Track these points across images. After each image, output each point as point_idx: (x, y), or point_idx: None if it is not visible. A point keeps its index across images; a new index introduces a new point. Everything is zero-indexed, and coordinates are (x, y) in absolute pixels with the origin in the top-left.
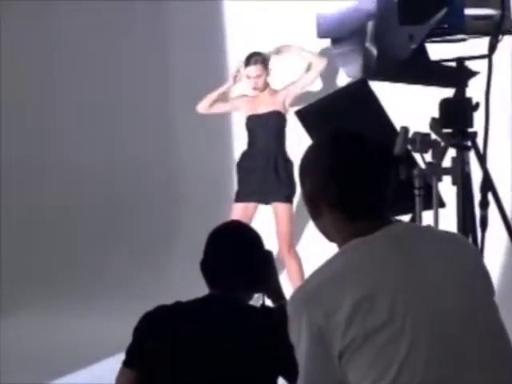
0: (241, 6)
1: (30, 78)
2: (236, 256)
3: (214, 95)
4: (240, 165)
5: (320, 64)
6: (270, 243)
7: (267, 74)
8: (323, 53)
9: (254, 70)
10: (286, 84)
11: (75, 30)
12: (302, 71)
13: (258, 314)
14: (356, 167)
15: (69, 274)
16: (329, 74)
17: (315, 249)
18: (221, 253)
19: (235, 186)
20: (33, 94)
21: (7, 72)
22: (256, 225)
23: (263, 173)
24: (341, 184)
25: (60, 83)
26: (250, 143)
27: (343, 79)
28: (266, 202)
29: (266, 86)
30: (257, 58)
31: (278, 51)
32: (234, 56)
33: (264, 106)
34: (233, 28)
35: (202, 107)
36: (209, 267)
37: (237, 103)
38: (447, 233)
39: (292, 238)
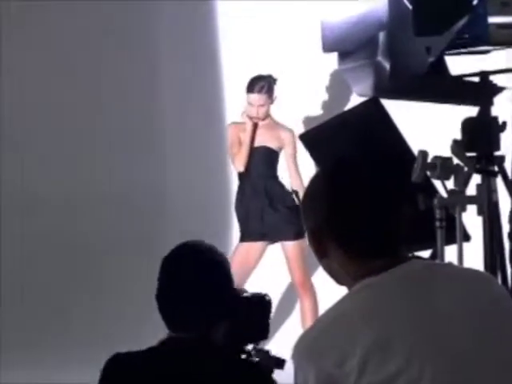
0: (235, 9)
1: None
2: (196, 284)
3: (243, 152)
4: (236, 201)
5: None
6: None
7: (271, 102)
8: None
9: (257, 98)
10: (290, 129)
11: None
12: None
13: (236, 365)
14: (363, 201)
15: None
16: (337, 92)
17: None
18: (177, 281)
19: (233, 223)
20: None
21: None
22: (267, 261)
23: (260, 212)
24: (347, 220)
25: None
26: (240, 178)
27: (354, 98)
28: (273, 241)
29: (267, 116)
30: (262, 85)
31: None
32: (230, 73)
33: (256, 139)
34: (227, 37)
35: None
36: (164, 301)
37: (231, 133)
38: (471, 270)
39: (306, 275)
